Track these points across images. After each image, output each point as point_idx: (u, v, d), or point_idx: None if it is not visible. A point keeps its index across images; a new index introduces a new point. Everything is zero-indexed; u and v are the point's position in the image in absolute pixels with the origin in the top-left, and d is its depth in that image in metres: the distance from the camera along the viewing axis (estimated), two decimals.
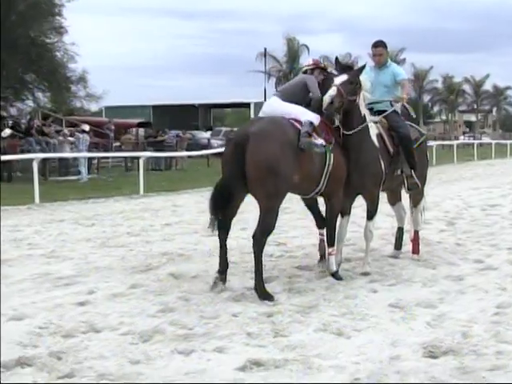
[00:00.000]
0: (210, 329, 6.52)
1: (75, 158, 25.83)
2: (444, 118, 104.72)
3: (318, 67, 9.25)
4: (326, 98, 8.28)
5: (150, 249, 10.84)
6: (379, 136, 9.04)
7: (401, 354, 5.79)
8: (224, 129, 56.15)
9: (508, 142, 50.41)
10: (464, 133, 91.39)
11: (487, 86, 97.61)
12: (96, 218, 14.82)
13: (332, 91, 8.28)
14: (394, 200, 10.31)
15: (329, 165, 8.37)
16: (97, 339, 6.21)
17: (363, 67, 8.86)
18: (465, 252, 10.31)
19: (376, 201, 9.09)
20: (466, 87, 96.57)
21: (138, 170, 21.96)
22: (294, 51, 64.82)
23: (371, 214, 9.12)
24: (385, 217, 11.58)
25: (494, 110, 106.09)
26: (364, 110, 8.88)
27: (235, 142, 8.01)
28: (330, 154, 8.40)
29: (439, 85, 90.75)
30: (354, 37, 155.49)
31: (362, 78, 8.74)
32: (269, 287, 7.98)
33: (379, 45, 9.54)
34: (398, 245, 10.13)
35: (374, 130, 9.00)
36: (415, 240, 10.09)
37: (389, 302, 7.51)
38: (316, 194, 8.67)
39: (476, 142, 51.49)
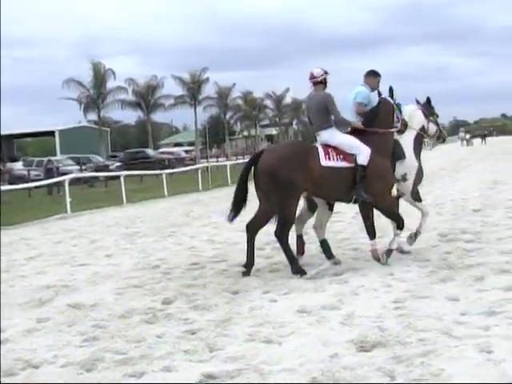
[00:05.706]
0: (144, 351, 6.65)
1: None
2: (246, 133, 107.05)
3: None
4: None
5: (30, 283, 10.70)
6: None
7: (337, 352, 6.22)
8: (36, 159, 54.58)
9: None
10: None
11: (288, 100, 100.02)
12: None
13: None
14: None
15: None
16: (42, 374, 6.21)
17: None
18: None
19: None
20: (269, 102, 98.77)
21: None
22: (100, 76, 64.22)
23: None
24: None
25: (295, 122, 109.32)
26: None
27: None
28: None
29: (241, 101, 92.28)
30: (149, 57, 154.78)
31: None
32: (168, 308, 8.41)
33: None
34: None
35: None
36: None
37: (295, 308, 7.90)
38: None
39: None
